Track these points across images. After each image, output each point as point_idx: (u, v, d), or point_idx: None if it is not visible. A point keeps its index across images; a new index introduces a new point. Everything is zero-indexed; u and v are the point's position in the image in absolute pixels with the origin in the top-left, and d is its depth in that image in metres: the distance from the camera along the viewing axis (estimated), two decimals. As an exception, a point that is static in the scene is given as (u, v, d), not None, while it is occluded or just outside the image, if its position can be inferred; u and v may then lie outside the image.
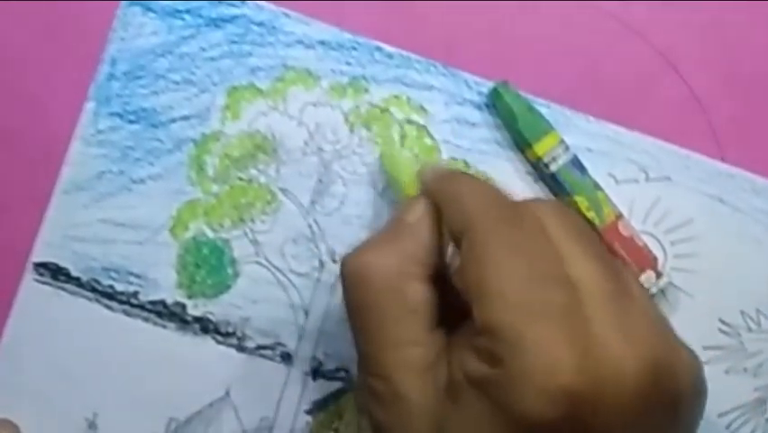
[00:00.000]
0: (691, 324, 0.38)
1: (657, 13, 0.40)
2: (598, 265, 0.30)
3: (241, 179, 0.39)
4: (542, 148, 0.38)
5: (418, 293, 0.32)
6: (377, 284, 0.32)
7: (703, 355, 0.38)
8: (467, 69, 0.39)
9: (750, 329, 0.39)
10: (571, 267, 0.29)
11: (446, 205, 0.32)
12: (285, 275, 0.39)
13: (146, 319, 0.39)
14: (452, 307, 0.32)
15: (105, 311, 0.39)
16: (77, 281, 0.39)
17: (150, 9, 0.39)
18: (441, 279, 0.33)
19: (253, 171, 0.39)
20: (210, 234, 0.39)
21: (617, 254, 0.37)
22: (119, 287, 0.39)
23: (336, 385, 0.39)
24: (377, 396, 0.31)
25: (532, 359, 0.27)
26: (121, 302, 0.39)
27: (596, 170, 0.39)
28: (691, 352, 0.31)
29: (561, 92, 0.39)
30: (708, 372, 0.38)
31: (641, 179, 0.39)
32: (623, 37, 0.40)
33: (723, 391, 0.38)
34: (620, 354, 0.28)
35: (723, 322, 0.39)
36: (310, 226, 0.39)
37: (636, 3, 0.40)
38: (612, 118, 0.39)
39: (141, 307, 0.39)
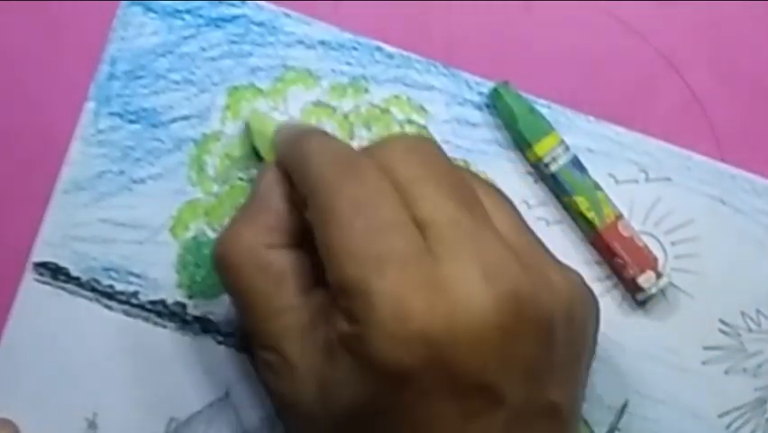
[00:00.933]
0: (691, 324, 0.39)
1: (658, 14, 0.40)
2: (449, 201, 0.30)
3: (241, 179, 0.39)
4: (542, 148, 0.38)
5: (279, 262, 0.32)
6: (238, 261, 0.33)
7: (703, 355, 0.39)
8: (468, 70, 0.39)
9: (750, 330, 0.39)
10: (420, 209, 0.30)
11: (293, 169, 0.33)
12: (285, 275, 0.39)
13: (146, 319, 0.39)
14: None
15: (105, 311, 0.39)
16: (77, 281, 0.39)
17: (150, 9, 0.39)
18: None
19: (254, 171, 0.39)
20: (211, 234, 0.39)
21: (617, 254, 0.37)
22: (119, 287, 0.39)
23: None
24: (269, 367, 0.32)
25: (381, 310, 0.28)
26: (121, 302, 0.39)
27: (596, 171, 0.39)
28: (566, 271, 0.31)
29: (562, 92, 0.39)
30: (708, 372, 0.38)
31: (641, 179, 0.39)
32: (624, 37, 0.40)
33: (723, 392, 0.39)
34: (473, 291, 0.28)
35: (723, 322, 0.39)
36: (310, 226, 0.39)
37: (637, 3, 0.40)
38: (613, 119, 0.39)
39: (142, 307, 0.39)
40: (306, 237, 0.33)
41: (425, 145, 0.32)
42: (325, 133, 0.35)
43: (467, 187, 0.31)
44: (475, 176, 0.34)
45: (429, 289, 0.28)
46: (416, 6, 0.39)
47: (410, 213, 0.30)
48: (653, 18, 0.40)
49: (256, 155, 0.38)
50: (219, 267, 0.34)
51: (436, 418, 0.28)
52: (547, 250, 0.32)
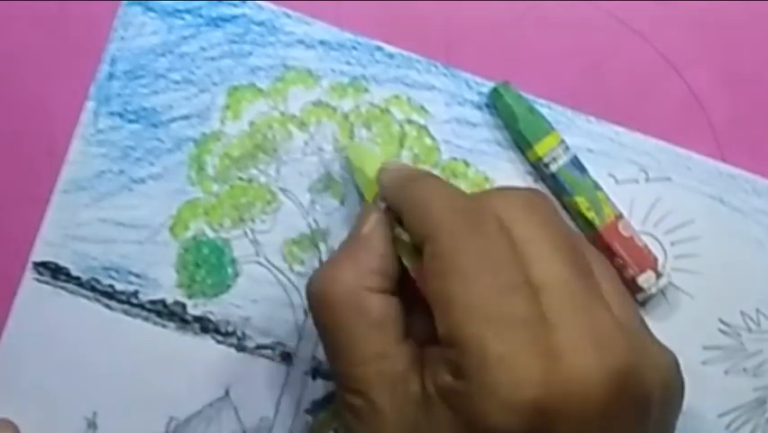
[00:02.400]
0: (691, 324, 0.39)
1: (658, 14, 0.40)
2: (564, 264, 0.29)
3: (241, 178, 0.39)
4: (542, 148, 0.38)
5: (380, 306, 0.32)
6: (337, 302, 0.32)
7: (703, 355, 0.39)
8: (469, 70, 0.39)
9: (750, 329, 0.39)
10: (536, 269, 0.29)
11: (407, 211, 0.32)
12: (285, 275, 0.39)
13: (146, 319, 0.39)
14: (421, 314, 0.32)
15: (105, 311, 0.39)
16: (77, 281, 0.39)
17: (150, 9, 0.39)
18: (405, 286, 0.33)
19: (254, 171, 0.39)
20: (210, 233, 0.39)
21: (617, 254, 0.37)
22: (119, 286, 0.39)
23: (336, 385, 0.39)
24: (354, 411, 0.31)
25: (496, 373, 0.27)
26: (121, 302, 0.39)
27: (596, 171, 0.39)
28: (664, 350, 0.31)
29: (562, 92, 0.39)
30: (708, 372, 0.38)
31: (641, 179, 0.39)
32: (624, 37, 0.40)
33: (723, 392, 0.38)
34: (585, 364, 0.28)
35: (723, 322, 0.39)
36: (310, 226, 0.39)
37: (638, 3, 0.40)
38: (613, 118, 0.39)
39: (141, 306, 0.39)
40: (401, 285, 0.32)
41: (543, 204, 0.32)
42: (438, 177, 0.34)
43: (580, 252, 0.31)
44: (583, 240, 0.34)
45: (544, 358, 0.28)
46: (417, 6, 0.39)
47: (526, 274, 0.29)
48: (653, 18, 0.40)
49: (355, 187, 0.38)
50: (317, 305, 0.33)
51: None
52: (646, 325, 0.32)
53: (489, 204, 0.31)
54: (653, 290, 0.38)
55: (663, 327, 0.38)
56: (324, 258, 0.39)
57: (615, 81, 0.40)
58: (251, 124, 0.39)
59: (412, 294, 0.32)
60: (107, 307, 0.39)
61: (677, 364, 0.31)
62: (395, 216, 0.33)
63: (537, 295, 0.28)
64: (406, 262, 0.32)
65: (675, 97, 0.40)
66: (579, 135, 0.39)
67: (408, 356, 0.31)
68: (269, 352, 0.39)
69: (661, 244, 0.39)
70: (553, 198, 0.37)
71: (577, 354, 0.28)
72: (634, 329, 0.30)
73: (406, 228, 0.32)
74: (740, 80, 0.40)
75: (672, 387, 0.31)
